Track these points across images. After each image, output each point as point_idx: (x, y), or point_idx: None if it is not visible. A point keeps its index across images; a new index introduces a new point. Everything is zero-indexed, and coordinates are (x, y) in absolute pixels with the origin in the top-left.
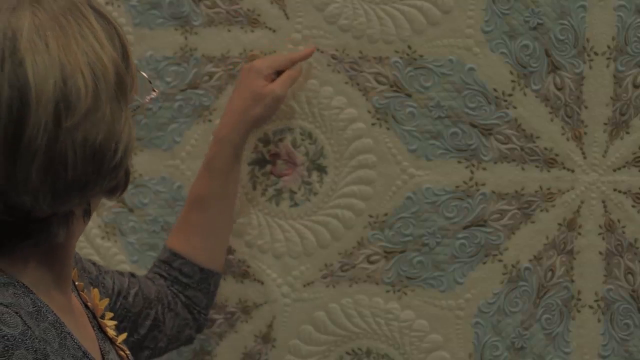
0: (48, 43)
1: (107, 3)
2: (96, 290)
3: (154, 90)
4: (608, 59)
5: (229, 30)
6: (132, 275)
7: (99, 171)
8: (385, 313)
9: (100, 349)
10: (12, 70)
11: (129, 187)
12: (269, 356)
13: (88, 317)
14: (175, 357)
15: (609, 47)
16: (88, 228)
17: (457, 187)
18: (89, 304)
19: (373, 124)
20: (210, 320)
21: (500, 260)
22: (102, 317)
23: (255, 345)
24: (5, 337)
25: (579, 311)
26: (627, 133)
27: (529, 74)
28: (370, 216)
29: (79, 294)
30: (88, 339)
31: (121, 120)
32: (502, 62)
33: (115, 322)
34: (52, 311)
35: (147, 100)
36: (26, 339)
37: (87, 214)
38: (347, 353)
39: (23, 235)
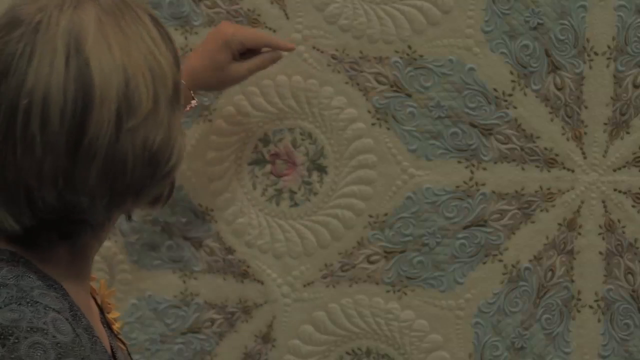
0: (111, 44)
1: None
2: (103, 280)
3: (193, 98)
4: (608, 59)
5: None
6: None
7: (154, 176)
8: (385, 313)
9: (111, 346)
10: (78, 69)
11: None
12: (269, 356)
13: (98, 311)
14: (175, 357)
15: (609, 47)
16: None
17: (457, 187)
18: (97, 298)
19: (373, 124)
20: (210, 320)
21: (500, 260)
22: (108, 312)
23: (256, 345)
24: (59, 345)
25: (579, 311)
26: (627, 133)
27: (529, 74)
28: (370, 216)
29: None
30: (103, 339)
31: (175, 125)
32: (502, 62)
33: (118, 314)
34: (84, 315)
35: (187, 109)
36: (75, 347)
37: (128, 219)
38: (347, 353)
39: (64, 235)
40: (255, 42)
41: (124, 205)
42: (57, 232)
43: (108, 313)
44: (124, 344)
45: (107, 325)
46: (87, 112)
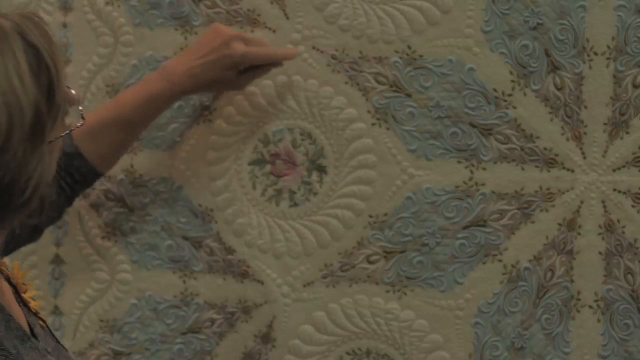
0: None
1: (107, 3)
2: (17, 263)
3: (83, 117)
4: (608, 59)
5: None
6: None
7: (7, 207)
8: (385, 313)
9: (28, 323)
10: None
11: (129, 187)
12: (269, 356)
13: (13, 294)
14: (175, 357)
15: (608, 47)
16: (88, 228)
17: (457, 187)
18: (12, 279)
19: (373, 124)
20: (210, 320)
21: (500, 260)
22: (25, 292)
23: (255, 345)
24: None
25: (578, 311)
26: (627, 133)
27: (528, 74)
28: (370, 216)
29: (0, 270)
30: (19, 317)
31: (34, 159)
32: (501, 62)
33: (35, 292)
34: None
35: (70, 128)
36: None
37: (5, 227)
38: (347, 353)
39: None
40: (263, 60)
41: None
42: None
43: (24, 293)
44: (43, 321)
45: (24, 304)
46: None
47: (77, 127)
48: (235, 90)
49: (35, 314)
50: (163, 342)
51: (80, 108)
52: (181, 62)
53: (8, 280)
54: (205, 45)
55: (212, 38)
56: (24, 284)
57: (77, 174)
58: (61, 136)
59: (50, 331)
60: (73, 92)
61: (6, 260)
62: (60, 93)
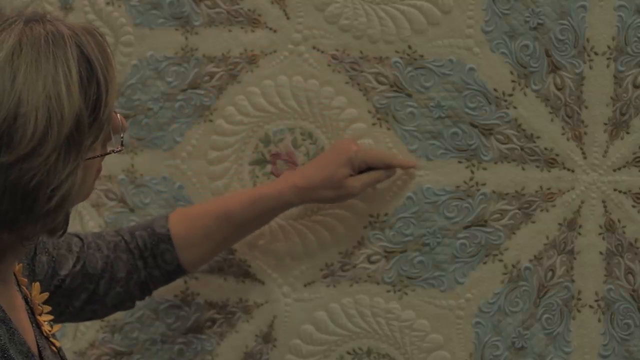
0: (17, 74)
1: (107, 3)
2: (37, 284)
3: (122, 145)
4: (608, 59)
5: (229, 31)
6: (82, 247)
7: (30, 212)
8: (386, 313)
9: (38, 344)
10: None
11: (130, 187)
12: (269, 356)
13: (27, 311)
14: (175, 357)
15: (609, 47)
16: (89, 228)
17: (458, 187)
18: (29, 299)
19: (373, 124)
20: (211, 320)
21: (500, 260)
22: (40, 314)
23: (256, 345)
24: None
25: (579, 311)
26: (627, 133)
27: (529, 74)
28: (371, 216)
29: (20, 289)
30: (27, 335)
31: (66, 170)
32: (502, 62)
33: (51, 317)
34: (1, 307)
35: (108, 151)
36: None
37: (26, 242)
38: (348, 353)
39: None
40: (378, 162)
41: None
42: None
43: (39, 315)
44: (55, 346)
45: (37, 326)
46: None
47: (115, 151)
48: (350, 196)
49: (47, 338)
50: (164, 342)
51: (122, 136)
52: (298, 170)
53: (26, 299)
54: (325, 153)
55: (333, 147)
56: (40, 305)
57: (160, 259)
58: (98, 156)
59: (62, 357)
60: (120, 117)
61: (26, 280)
62: (106, 112)
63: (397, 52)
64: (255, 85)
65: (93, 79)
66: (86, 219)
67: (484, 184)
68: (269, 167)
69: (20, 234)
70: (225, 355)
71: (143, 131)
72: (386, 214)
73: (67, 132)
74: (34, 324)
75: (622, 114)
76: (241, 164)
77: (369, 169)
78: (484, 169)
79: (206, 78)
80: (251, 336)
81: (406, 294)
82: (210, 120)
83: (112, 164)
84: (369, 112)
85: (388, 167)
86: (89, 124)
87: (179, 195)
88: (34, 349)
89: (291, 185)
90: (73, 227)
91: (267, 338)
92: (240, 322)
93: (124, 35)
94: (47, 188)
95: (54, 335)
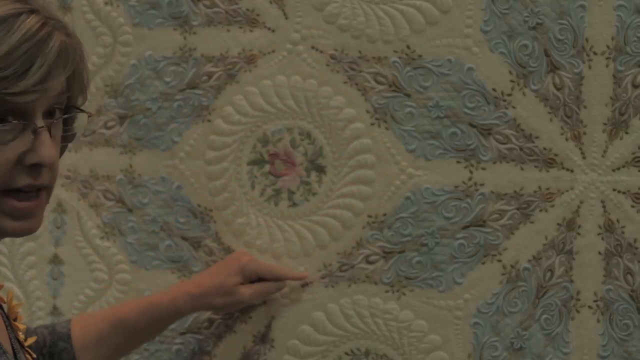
0: None
1: (106, 3)
2: (10, 291)
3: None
4: (607, 58)
5: (228, 30)
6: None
7: None
8: (384, 313)
9: (13, 347)
10: None
11: (128, 187)
12: (267, 356)
13: (2, 316)
14: (173, 357)
15: (608, 47)
16: (87, 228)
17: (456, 187)
18: (4, 305)
19: (372, 124)
20: (209, 321)
21: (499, 261)
22: (15, 319)
23: (254, 346)
24: None
25: (578, 311)
26: (627, 133)
27: (528, 74)
28: (369, 216)
29: None
30: (2, 334)
31: None
32: (501, 62)
33: (25, 326)
34: None
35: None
36: None
37: None
38: (346, 353)
39: None
40: (269, 274)
41: None
42: None
43: (14, 320)
44: (32, 356)
45: (12, 329)
46: None
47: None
48: (239, 304)
49: (22, 345)
50: (162, 343)
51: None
52: (192, 278)
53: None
54: (220, 262)
55: (227, 257)
56: (17, 312)
57: (57, 357)
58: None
59: None
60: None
61: (3, 284)
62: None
63: (395, 51)
64: (253, 85)
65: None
66: (84, 219)
67: (482, 184)
68: (267, 167)
69: None
70: (223, 356)
71: (141, 131)
72: (384, 214)
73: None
74: (8, 328)
75: (622, 114)
76: (239, 164)
77: (261, 279)
78: (483, 169)
79: (204, 78)
80: (249, 337)
81: (404, 294)
82: (209, 120)
83: (111, 164)
84: (368, 112)
85: (278, 280)
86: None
87: (177, 195)
88: (9, 351)
89: (184, 293)
90: (72, 226)
91: (264, 339)
92: (238, 322)
93: (122, 35)
94: None
95: (30, 347)
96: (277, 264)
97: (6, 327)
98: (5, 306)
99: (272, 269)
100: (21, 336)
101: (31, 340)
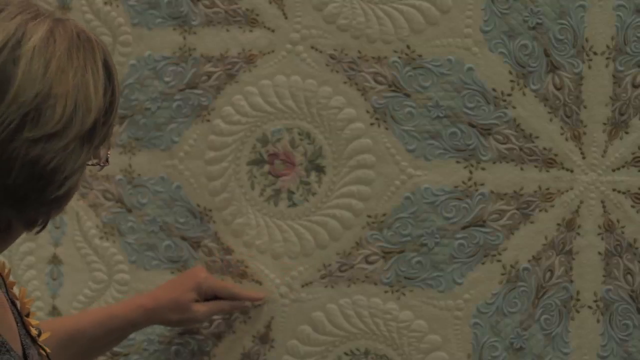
0: (50, 60)
1: (105, 3)
2: (24, 288)
3: (107, 162)
4: (607, 58)
5: (227, 30)
6: None
7: (41, 194)
8: (384, 313)
9: (22, 343)
10: (6, 62)
11: (127, 187)
12: (267, 357)
13: (14, 313)
14: (172, 357)
15: (608, 46)
16: (86, 228)
17: (456, 187)
18: (17, 301)
19: (372, 124)
20: (209, 321)
21: (499, 261)
22: (27, 315)
23: (254, 346)
24: None
25: (578, 311)
26: (627, 133)
27: (528, 74)
28: (369, 216)
29: (7, 291)
30: (10, 332)
31: (78, 162)
32: (501, 61)
33: (38, 322)
34: None
35: (93, 163)
36: None
37: (28, 226)
38: (346, 354)
39: None
40: (225, 292)
41: (3, 210)
42: None
43: (27, 316)
44: (45, 351)
45: (24, 326)
46: None
47: (101, 165)
48: (194, 321)
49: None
50: (161, 343)
51: (109, 153)
52: (151, 291)
53: (12, 300)
54: (176, 278)
55: (184, 273)
56: (29, 308)
57: None
58: (93, 163)
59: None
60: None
61: (15, 281)
62: (114, 120)
63: (395, 51)
64: (253, 85)
65: (110, 85)
66: (84, 220)
67: (482, 184)
68: (266, 167)
69: (22, 215)
70: (222, 356)
71: (141, 131)
72: (384, 214)
73: (89, 126)
74: (19, 324)
75: (621, 114)
76: (239, 164)
77: (218, 298)
78: (483, 169)
79: (204, 78)
80: (248, 337)
81: (404, 294)
82: (208, 120)
83: (110, 164)
84: (367, 112)
85: (234, 299)
86: (102, 123)
87: (176, 195)
88: (17, 346)
89: (139, 306)
90: (72, 226)
91: (264, 339)
92: (237, 322)
93: (121, 35)
94: (61, 174)
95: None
96: (277, 263)
97: (17, 323)
98: (18, 303)
99: (228, 288)
100: (34, 332)
101: (45, 336)
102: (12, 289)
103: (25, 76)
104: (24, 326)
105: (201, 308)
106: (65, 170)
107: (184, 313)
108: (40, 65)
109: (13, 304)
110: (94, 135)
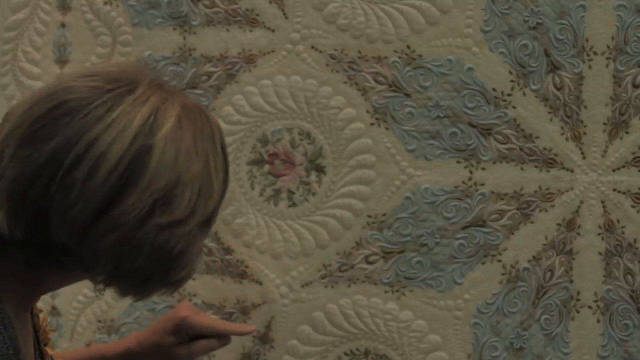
0: (180, 147)
1: (105, 3)
2: (46, 316)
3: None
4: (607, 58)
5: (227, 30)
6: None
7: (164, 276)
8: (384, 313)
9: None
10: (140, 149)
11: None
12: (267, 357)
13: (33, 339)
14: None
15: (608, 46)
16: None
17: (456, 187)
18: (37, 327)
19: (372, 124)
20: None
21: (499, 261)
22: (46, 344)
23: (254, 346)
24: None
25: (578, 311)
26: (627, 133)
27: (528, 74)
28: (369, 216)
29: (32, 317)
30: (28, 358)
31: (198, 245)
32: (501, 61)
33: (54, 352)
34: (12, 326)
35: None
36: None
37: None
38: (345, 354)
39: (33, 262)
40: (207, 329)
41: (119, 282)
42: (31, 256)
43: (45, 345)
44: None
45: (41, 354)
46: (129, 187)
47: None
48: None
49: None
50: None
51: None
52: (140, 332)
53: (35, 327)
54: (159, 320)
55: (166, 314)
56: (48, 337)
57: None
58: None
59: None
60: None
61: (41, 307)
62: (221, 205)
63: (395, 51)
64: (253, 85)
65: (226, 166)
66: None
67: (482, 184)
68: (267, 167)
69: (133, 289)
70: (223, 356)
71: None
72: (384, 214)
73: (211, 210)
74: (37, 352)
75: (622, 114)
76: (239, 164)
77: (203, 336)
78: (483, 169)
79: (204, 78)
80: (248, 337)
81: (404, 294)
82: None
83: None
84: (367, 111)
85: (220, 335)
86: (215, 211)
87: None
88: None
89: (126, 349)
90: None
91: (264, 339)
92: (237, 322)
93: (121, 35)
94: (185, 258)
95: None
96: (277, 263)
97: (35, 351)
98: (40, 332)
99: (211, 325)
100: None
101: None
102: (37, 316)
103: (158, 164)
104: (40, 355)
105: (183, 351)
106: (188, 254)
107: (167, 357)
108: (172, 153)
109: (34, 329)
110: (212, 219)
